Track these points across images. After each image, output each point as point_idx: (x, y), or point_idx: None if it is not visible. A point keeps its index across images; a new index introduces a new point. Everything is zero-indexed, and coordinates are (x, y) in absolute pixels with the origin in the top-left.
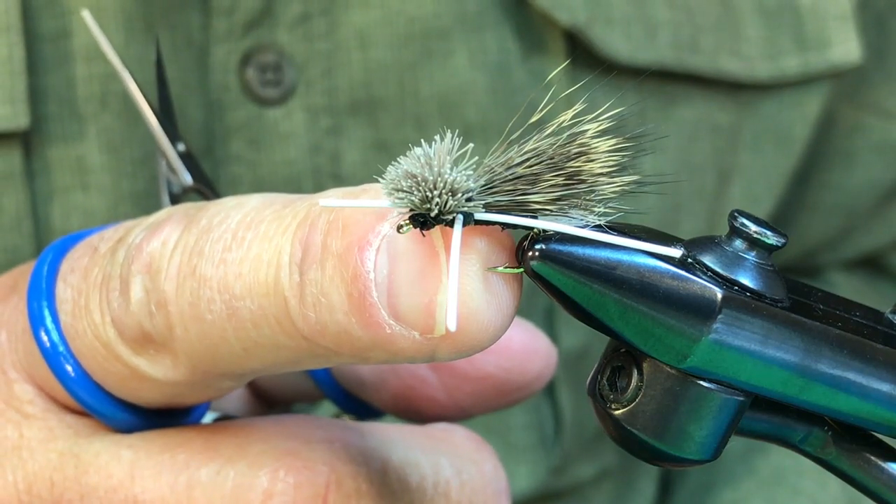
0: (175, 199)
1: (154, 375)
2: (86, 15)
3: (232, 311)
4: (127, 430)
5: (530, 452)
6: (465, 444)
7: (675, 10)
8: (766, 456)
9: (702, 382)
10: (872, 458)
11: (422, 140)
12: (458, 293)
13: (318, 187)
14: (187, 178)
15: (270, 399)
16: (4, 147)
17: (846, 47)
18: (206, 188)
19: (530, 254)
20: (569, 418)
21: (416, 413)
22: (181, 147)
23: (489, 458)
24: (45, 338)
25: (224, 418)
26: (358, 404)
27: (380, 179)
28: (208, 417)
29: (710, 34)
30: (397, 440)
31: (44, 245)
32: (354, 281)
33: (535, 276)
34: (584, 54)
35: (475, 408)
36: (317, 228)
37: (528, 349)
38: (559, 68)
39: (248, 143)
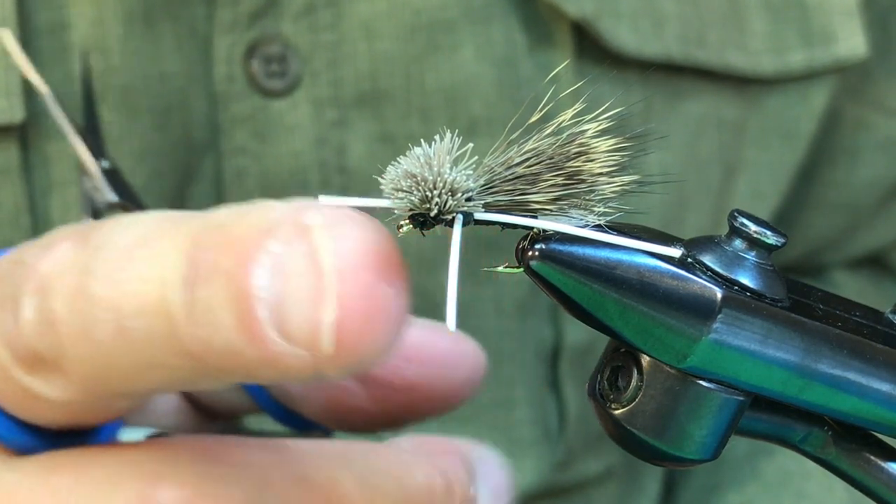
0: (98, 216)
1: (47, 395)
2: (4, 34)
3: (121, 330)
4: (30, 452)
5: (535, 447)
6: (391, 456)
7: (682, 3)
8: (771, 459)
9: (702, 382)
10: (872, 458)
11: (427, 133)
12: (338, 302)
13: (324, 180)
14: (111, 196)
15: (210, 413)
16: (1, 141)
17: (852, 42)
18: (133, 204)
19: (530, 253)
20: (573, 413)
21: (349, 424)
22: (105, 164)
23: (422, 470)
24: None
25: (157, 435)
26: (296, 417)
27: (381, 179)
28: (140, 434)
29: (717, 28)
30: (314, 455)
31: None
32: (241, 299)
33: (535, 275)
34: (591, 47)
35: (406, 417)
36: (207, 246)
37: (451, 355)
38: (566, 62)
39: (254, 134)
